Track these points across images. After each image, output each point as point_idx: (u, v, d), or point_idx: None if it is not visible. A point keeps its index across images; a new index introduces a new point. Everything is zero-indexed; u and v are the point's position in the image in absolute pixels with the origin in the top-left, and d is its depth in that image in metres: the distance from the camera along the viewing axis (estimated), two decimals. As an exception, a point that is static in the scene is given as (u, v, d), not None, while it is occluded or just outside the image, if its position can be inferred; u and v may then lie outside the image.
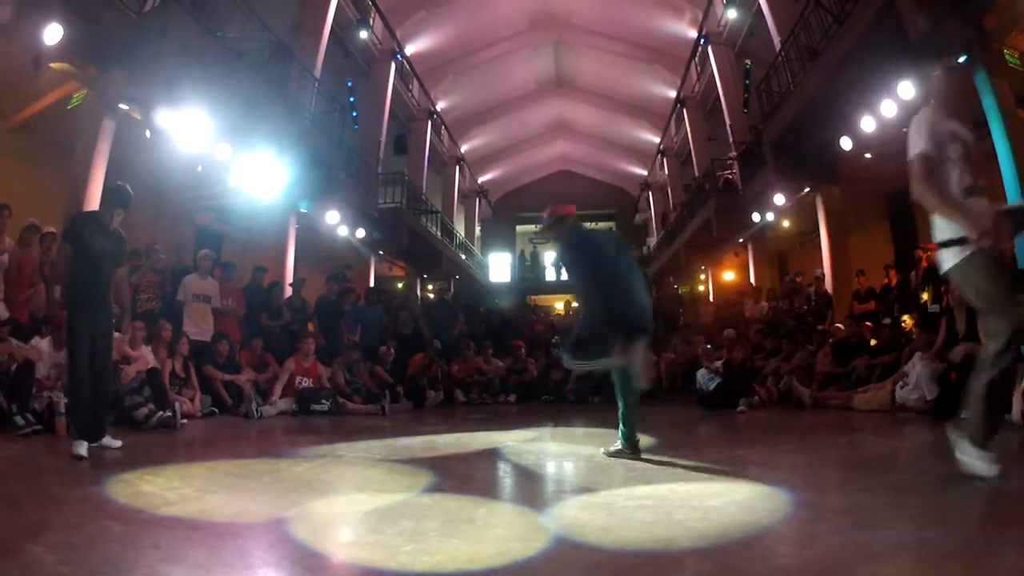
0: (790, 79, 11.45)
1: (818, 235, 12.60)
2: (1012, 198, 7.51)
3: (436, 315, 11.64)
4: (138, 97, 8.36)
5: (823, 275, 11.72)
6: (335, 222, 12.77)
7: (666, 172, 24.93)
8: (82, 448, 4.31)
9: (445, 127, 23.20)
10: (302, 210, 12.47)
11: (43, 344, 6.04)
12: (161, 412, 6.05)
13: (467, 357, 10.51)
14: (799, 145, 11.57)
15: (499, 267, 29.59)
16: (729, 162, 16.44)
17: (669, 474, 3.84)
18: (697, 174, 19.05)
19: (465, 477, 3.92)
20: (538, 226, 5.03)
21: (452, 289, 18.73)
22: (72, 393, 4.68)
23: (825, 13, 9.81)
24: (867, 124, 9.47)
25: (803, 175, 12.20)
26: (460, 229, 25.78)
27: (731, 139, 16.45)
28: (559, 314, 17.16)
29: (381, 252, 16.90)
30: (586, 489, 3.51)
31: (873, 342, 8.72)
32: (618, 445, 4.36)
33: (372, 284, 15.42)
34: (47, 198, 8.40)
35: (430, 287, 20.07)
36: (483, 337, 11.48)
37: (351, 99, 17.17)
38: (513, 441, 5.58)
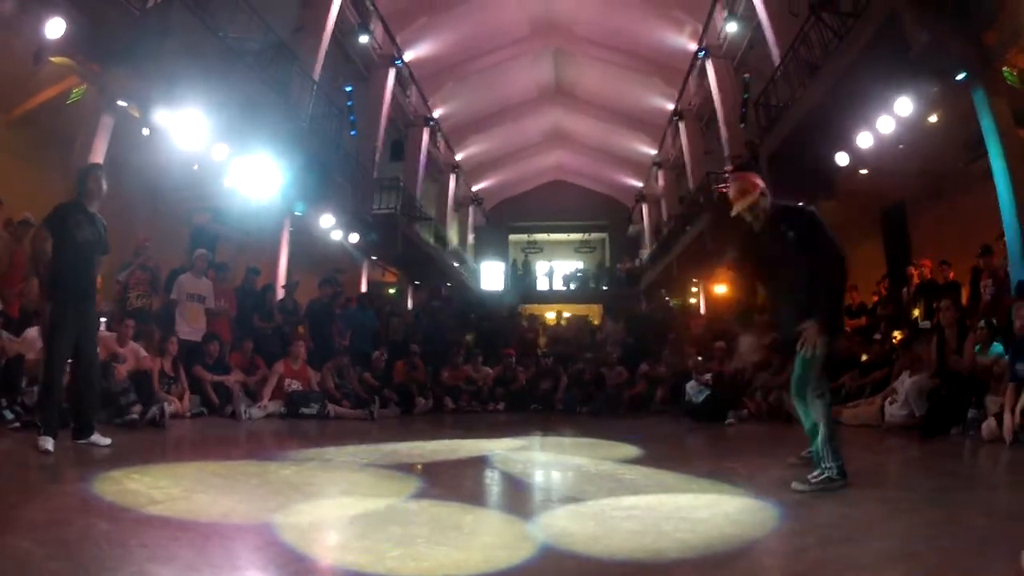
0: (789, 93, 11.49)
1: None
2: (1007, 218, 7.53)
3: (426, 320, 11.63)
4: (137, 94, 8.34)
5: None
6: (329, 226, 12.75)
7: (661, 184, 25.00)
8: (48, 443, 4.22)
9: (442, 134, 23.17)
10: (297, 213, 12.43)
11: (33, 332, 5.87)
12: (148, 409, 6.03)
13: (457, 364, 10.49)
14: (795, 159, 11.56)
15: (492, 275, 29.55)
16: (724, 175, 16.47)
17: (657, 485, 3.85)
18: (692, 187, 19.10)
19: (453, 484, 3.92)
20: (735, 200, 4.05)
21: (444, 294, 18.70)
22: (45, 389, 4.50)
23: (825, 28, 9.84)
24: (864, 140, 9.45)
25: (798, 189, 12.18)
26: (453, 236, 25.75)
27: (727, 153, 16.48)
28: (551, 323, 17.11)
29: (374, 257, 16.86)
30: (574, 498, 3.52)
31: (864, 357, 8.74)
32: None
33: (364, 289, 15.37)
34: (45, 193, 8.34)
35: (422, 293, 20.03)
36: (473, 344, 11.48)
37: (349, 103, 17.15)
38: (501, 449, 5.58)
